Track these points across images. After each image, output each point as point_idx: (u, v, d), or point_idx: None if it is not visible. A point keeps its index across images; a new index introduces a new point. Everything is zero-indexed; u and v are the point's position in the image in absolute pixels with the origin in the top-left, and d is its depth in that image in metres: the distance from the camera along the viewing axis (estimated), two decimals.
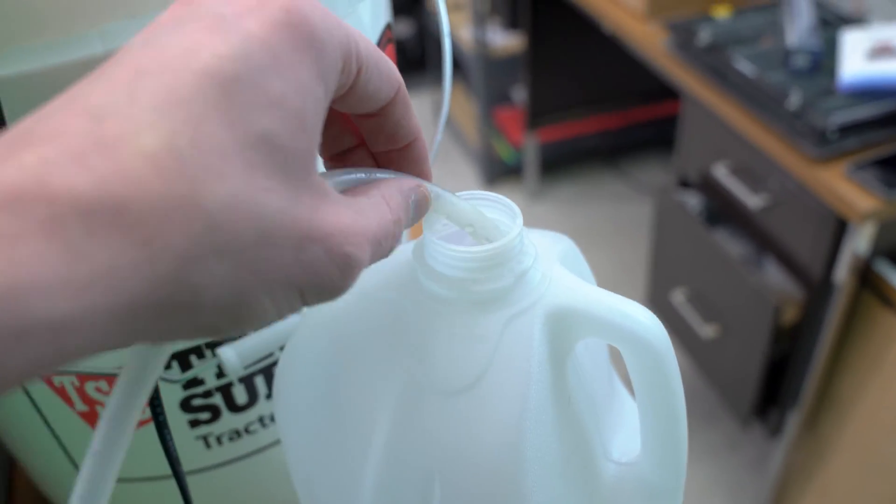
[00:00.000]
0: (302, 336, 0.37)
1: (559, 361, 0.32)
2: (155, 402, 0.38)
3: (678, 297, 1.62)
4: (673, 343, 0.30)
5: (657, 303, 1.73)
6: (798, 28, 1.33)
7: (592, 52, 2.28)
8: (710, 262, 1.50)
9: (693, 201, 1.57)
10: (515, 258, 0.31)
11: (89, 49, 0.32)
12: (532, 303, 0.31)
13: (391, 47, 0.46)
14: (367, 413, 0.33)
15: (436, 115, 3.00)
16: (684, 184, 1.61)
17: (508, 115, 2.56)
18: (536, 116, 2.38)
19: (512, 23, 2.39)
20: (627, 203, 2.49)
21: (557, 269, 0.33)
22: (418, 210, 0.28)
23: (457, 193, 0.31)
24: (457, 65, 2.82)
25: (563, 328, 0.31)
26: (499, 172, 2.63)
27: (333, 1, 0.39)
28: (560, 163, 2.63)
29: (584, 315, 0.31)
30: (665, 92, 2.11)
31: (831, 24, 1.41)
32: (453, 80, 3.01)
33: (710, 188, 1.50)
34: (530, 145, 2.44)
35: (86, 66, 0.20)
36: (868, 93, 1.20)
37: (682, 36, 1.46)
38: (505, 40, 2.41)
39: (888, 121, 1.19)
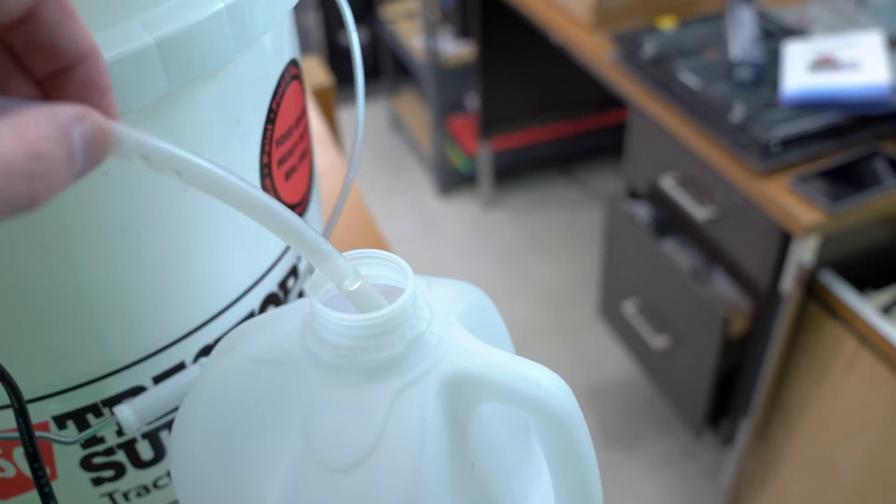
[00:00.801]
0: (195, 399, 0.35)
1: (458, 429, 0.30)
2: (39, 474, 0.36)
3: (629, 308, 1.62)
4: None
5: (609, 313, 1.73)
6: (741, 40, 1.33)
7: (544, 61, 2.28)
8: (660, 274, 1.50)
9: (642, 212, 1.56)
10: (407, 323, 0.29)
11: None
12: (426, 370, 0.29)
13: (297, 84, 0.43)
14: (258, 487, 0.31)
15: (390, 123, 2.97)
16: (633, 194, 1.61)
17: (462, 123, 2.54)
18: (489, 125, 2.37)
19: (463, 31, 2.37)
20: (582, 210, 2.50)
21: (456, 329, 0.31)
22: (91, 149, 0.21)
23: (343, 254, 0.29)
24: (409, 73, 2.80)
25: (461, 395, 0.29)
26: (453, 181, 2.61)
27: (215, 47, 0.35)
28: (514, 171, 2.63)
29: (482, 381, 0.29)
30: (617, 100, 2.11)
31: (774, 35, 1.42)
32: (407, 88, 2.99)
33: (658, 199, 1.50)
34: (484, 154, 2.43)
35: None
36: (810, 105, 1.21)
37: (628, 47, 1.46)
38: (456, 49, 2.40)
39: (830, 133, 1.19)
